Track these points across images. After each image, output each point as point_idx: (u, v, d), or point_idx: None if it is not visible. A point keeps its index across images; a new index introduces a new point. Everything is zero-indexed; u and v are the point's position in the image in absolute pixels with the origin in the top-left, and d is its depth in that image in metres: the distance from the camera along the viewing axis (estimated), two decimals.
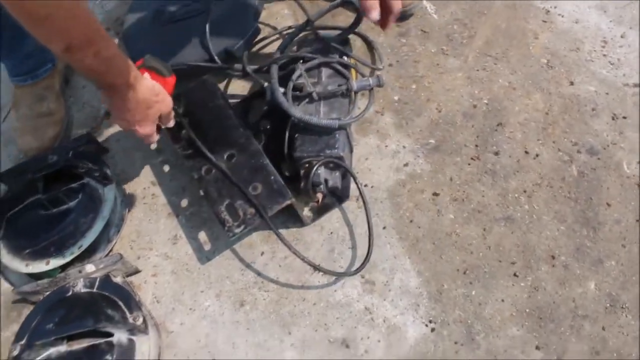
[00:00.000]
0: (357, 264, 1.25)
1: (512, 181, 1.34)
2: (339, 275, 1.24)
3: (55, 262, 1.24)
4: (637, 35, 1.55)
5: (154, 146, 1.21)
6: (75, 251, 1.24)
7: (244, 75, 1.47)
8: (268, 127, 1.36)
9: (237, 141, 1.28)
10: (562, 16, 1.60)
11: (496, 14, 1.62)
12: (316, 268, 1.22)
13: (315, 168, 1.18)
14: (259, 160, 1.25)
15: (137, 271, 1.30)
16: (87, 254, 1.29)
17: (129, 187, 1.43)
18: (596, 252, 1.24)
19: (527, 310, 1.19)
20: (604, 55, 1.52)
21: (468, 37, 1.59)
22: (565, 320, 1.17)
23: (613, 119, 1.41)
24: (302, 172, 1.22)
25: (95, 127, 1.55)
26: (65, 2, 0.90)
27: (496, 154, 1.38)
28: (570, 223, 1.28)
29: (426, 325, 1.18)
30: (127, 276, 1.28)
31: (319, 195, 1.22)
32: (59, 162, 1.33)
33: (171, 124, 1.28)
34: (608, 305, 1.18)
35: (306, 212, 1.31)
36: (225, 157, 1.27)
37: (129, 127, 1.17)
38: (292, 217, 1.31)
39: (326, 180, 1.21)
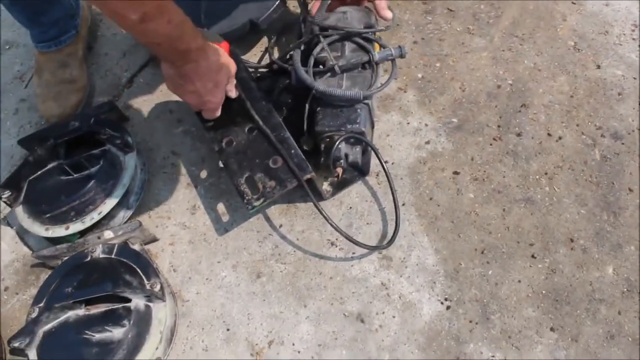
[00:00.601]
0: (374, 239, 1.25)
1: (534, 163, 1.33)
2: (373, 249, 1.24)
3: (74, 227, 1.25)
4: None
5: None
6: (95, 217, 1.25)
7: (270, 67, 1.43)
8: (289, 100, 1.36)
9: (259, 114, 1.27)
10: None
11: None
12: (355, 243, 1.21)
13: (337, 143, 1.17)
14: (280, 134, 1.24)
15: (155, 239, 1.31)
16: (106, 221, 1.30)
17: (149, 156, 1.43)
18: (616, 237, 1.23)
19: (544, 291, 1.18)
20: (634, 39, 1.49)
21: (495, 16, 1.57)
22: (582, 304, 1.17)
23: None
24: (322, 146, 1.21)
25: (117, 95, 1.56)
26: None
27: (519, 135, 1.36)
28: (591, 207, 1.27)
29: (442, 303, 1.18)
30: (145, 244, 1.29)
31: (339, 170, 1.21)
32: (81, 128, 1.33)
33: (234, 93, 1.28)
34: (625, 290, 1.17)
35: (325, 187, 1.30)
36: (246, 129, 1.27)
37: (200, 100, 1.19)
38: (311, 191, 1.30)
39: (347, 155, 1.21)
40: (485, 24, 1.55)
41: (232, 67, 1.22)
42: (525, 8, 1.57)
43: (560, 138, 1.36)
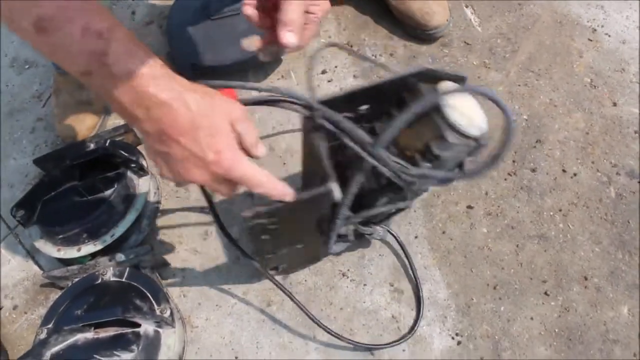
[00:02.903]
0: (386, 272, 1.24)
1: (548, 199, 1.32)
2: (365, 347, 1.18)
3: (86, 249, 1.25)
4: None
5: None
6: (107, 240, 1.25)
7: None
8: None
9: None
10: (609, 36, 1.58)
11: (541, 30, 1.60)
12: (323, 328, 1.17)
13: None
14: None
15: (166, 264, 1.31)
16: (118, 244, 1.29)
17: (163, 180, 1.43)
18: (631, 277, 1.22)
19: (556, 330, 1.17)
20: None
21: (511, 51, 1.57)
22: (595, 344, 1.15)
23: None
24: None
25: None
26: None
27: (533, 170, 1.36)
28: (606, 245, 1.26)
29: (452, 338, 1.17)
30: (156, 268, 1.29)
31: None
32: (97, 150, 1.34)
33: (261, 150, 0.80)
34: None
35: None
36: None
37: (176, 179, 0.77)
38: None
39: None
40: (502, 58, 1.56)
41: (237, 109, 0.76)
42: (542, 43, 1.58)
43: (575, 175, 1.35)
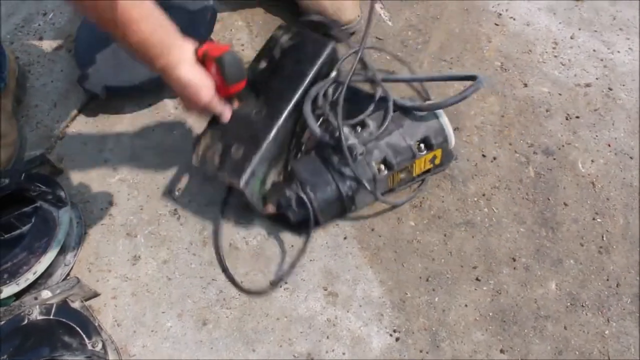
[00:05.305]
0: (318, 276, 1.24)
1: (471, 185, 1.34)
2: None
3: (9, 291, 1.20)
4: (586, 36, 1.57)
5: None
6: (30, 277, 1.21)
7: None
8: None
9: None
10: (514, 19, 1.61)
11: (449, 18, 1.63)
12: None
13: None
14: None
15: (96, 295, 1.27)
16: (43, 280, 1.25)
17: (85, 209, 1.39)
18: (555, 252, 1.25)
19: (491, 314, 1.19)
20: (555, 56, 1.54)
21: (423, 42, 1.59)
22: (528, 322, 1.18)
23: (567, 119, 1.43)
24: None
25: (50, 147, 1.52)
26: None
27: (454, 158, 1.38)
28: (530, 224, 1.29)
29: (390, 335, 1.18)
30: (86, 300, 1.25)
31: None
32: (10, 185, 1.29)
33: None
34: (569, 304, 1.19)
35: None
36: None
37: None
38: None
39: None
40: (414, 50, 1.57)
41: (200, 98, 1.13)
42: (452, 32, 1.60)
43: (494, 158, 1.38)
